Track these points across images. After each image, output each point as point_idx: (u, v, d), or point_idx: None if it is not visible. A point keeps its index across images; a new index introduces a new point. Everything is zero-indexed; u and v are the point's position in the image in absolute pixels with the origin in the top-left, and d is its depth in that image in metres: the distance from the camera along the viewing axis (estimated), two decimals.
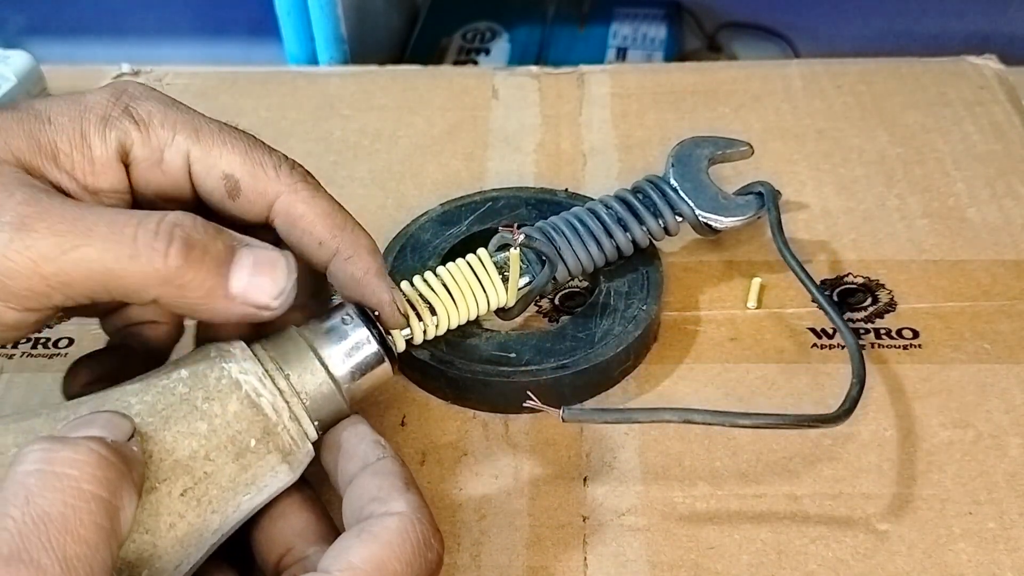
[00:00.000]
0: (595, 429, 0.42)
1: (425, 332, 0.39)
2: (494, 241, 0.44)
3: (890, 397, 0.43)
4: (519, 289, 0.42)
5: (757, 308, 0.47)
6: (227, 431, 0.31)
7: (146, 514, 0.29)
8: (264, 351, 0.33)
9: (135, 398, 0.31)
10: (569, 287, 0.47)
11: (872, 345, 0.45)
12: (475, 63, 0.84)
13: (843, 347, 0.44)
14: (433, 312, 0.39)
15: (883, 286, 0.48)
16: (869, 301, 0.47)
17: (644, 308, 0.44)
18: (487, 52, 0.86)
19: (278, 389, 0.32)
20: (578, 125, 0.58)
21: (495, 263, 0.42)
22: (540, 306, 0.47)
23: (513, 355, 0.42)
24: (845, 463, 0.40)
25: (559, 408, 0.36)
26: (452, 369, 0.42)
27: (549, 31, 0.88)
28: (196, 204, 0.35)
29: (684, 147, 0.48)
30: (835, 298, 0.47)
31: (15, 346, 0.46)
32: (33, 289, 0.29)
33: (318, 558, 0.31)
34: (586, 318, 0.44)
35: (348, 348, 0.34)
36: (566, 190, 0.51)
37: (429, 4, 0.92)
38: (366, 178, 0.55)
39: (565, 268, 0.44)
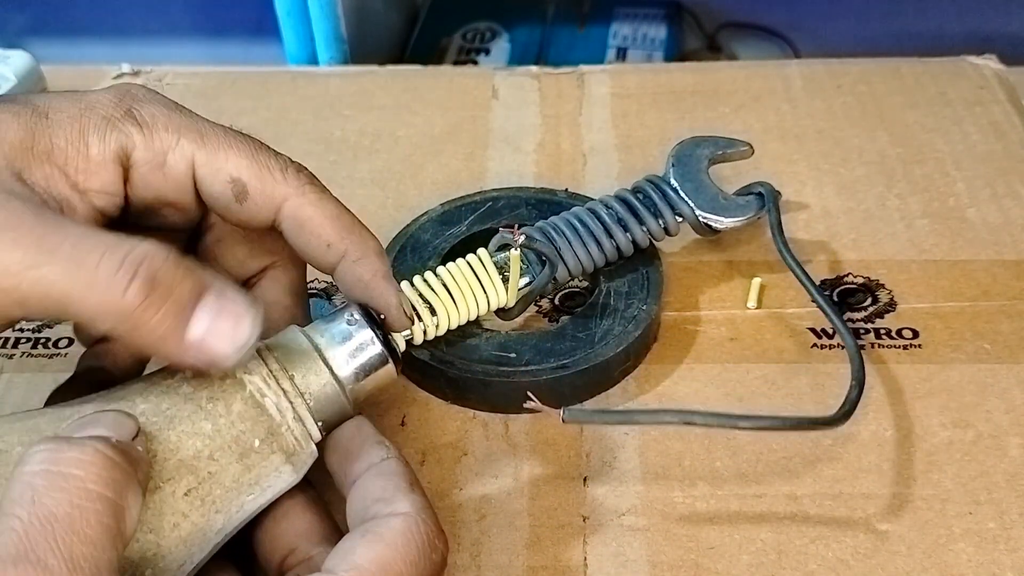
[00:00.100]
0: (595, 429, 0.42)
1: (425, 332, 0.39)
2: (494, 241, 0.44)
3: (890, 397, 0.43)
4: (519, 289, 0.42)
5: (757, 308, 0.47)
6: (231, 431, 0.31)
7: (150, 514, 0.29)
8: (269, 351, 0.33)
9: (140, 397, 0.31)
10: (569, 287, 0.47)
11: (872, 345, 0.45)
12: (475, 63, 0.84)
13: (843, 347, 0.44)
14: (433, 312, 0.39)
15: (883, 286, 0.48)
16: (869, 301, 0.47)
17: (644, 308, 0.44)
18: (487, 52, 0.86)
19: (282, 390, 0.32)
20: (578, 125, 0.58)
21: (495, 263, 0.42)
22: (540, 306, 0.47)
23: (513, 355, 0.42)
24: (845, 463, 0.40)
25: (559, 409, 0.36)
26: (452, 369, 0.42)
27: (549, 31, 0.88)
28: (197, 209, 0.35)
29: (684, 147, 0.48)
30: (835, 298, 0.47)
31: (15, 346, 0.46)
32: None
33: (322, 559, 0.31)
34: (586, 318, 0.44)
35: (352, 349, 0.34)
36: (566, 190, 0.51)
37: (429, 4, 0.92)
38: (366, 178, 0.55)
39: (565, 268, 0.44)
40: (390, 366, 0.35)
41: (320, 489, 0.35)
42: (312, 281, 0.47)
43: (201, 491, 0.30)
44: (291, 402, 0.32)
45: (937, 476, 0.40)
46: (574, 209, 0.46)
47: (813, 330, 0.46)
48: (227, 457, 0.31)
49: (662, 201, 0.46)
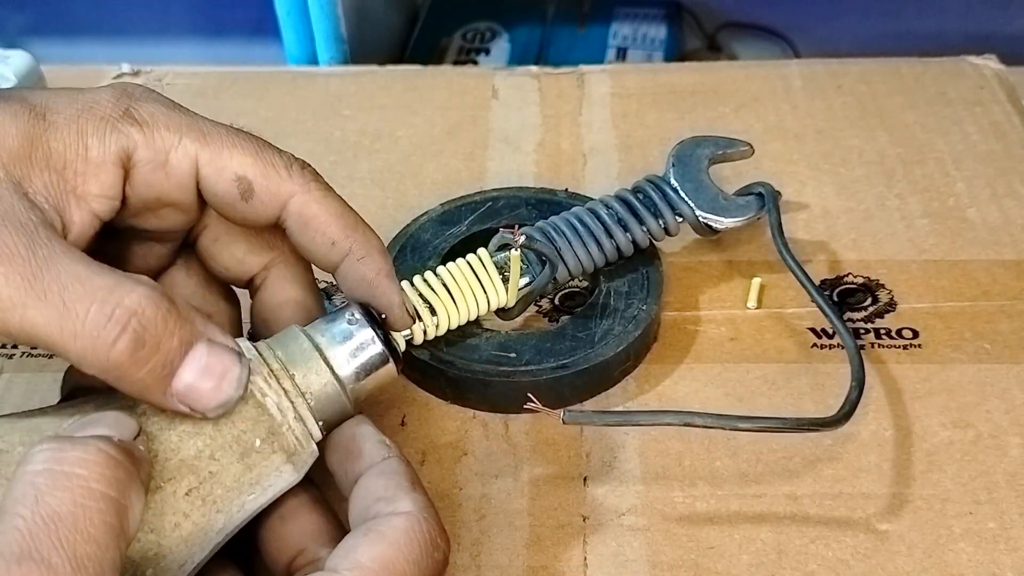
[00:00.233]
0: (595, 429, 0.42)
1: (425, 332, 0.39)
2: (494, 241, 0.44)
3: (890, 397, 0.43)
4: (519, 289, 0.42)
5: (757, 308, 0.47)
6: (232, 431, 0.31)
7: (151, 513, 0.29)
8: (270, 350, 0.33)
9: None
10: (569, 287, 0.47)
11: (872, 345, 0.45)
12: (475, 63, 0.84)
13: (843, 347, 0.44)
14: (433, 312, 0.39)
15: (883, 286, 0.48)
16: (869, 301, 0.47)
17: (644, 308, 0.44)
18: (487, 52, 0.86)
19: (283, 389, 0.32)
20: (578, 125, 0.58)
21: (495, 263, 0.42)
22: (540, 306, 0.47)
23: (513, 355, 0.42)
24: (845, 463, 0.40)
25: (560, 410, 0.36)
26: (452, 369, 0.42)
27: (549, 31, 0.88)
28: (196, 209, 0.35)
29: (684, 147, 0.48)
30: (835, 298, 0.47)
31: (15, 345, 0.46)
32: None
33: None
34: (586, 318, 0.44)
35: (353, 348, 0.34)
36: (566, 190, 0.51)
37: (429, 4, 0.92)
38: (366, 178, 0.55)
39: (565, 268, 0.44)
40: (391, 365, 0.35)
41: (320, 488, 0.35)
42: None
43: (202, 491, 0.30)
44: (292, 402, 0.32)
45: (937, 476, 0.40)
46: (574, 209, 0.46)
47: (813, 330, 0.46)
48: (228, 457, 0.31)
49: (662, 201, 0.46)
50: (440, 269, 0.41)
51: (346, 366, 0.34)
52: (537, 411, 0.36)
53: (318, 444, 0.33)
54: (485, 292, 0.41)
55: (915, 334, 0.45)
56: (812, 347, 0.45)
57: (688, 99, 0.60)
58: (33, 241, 0.29)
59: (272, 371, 0.32)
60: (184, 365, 0.30)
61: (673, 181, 0.47)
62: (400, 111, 0.60)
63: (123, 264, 0.36)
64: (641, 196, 0.46)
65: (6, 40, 0.67)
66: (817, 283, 0.46)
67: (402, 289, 0.36)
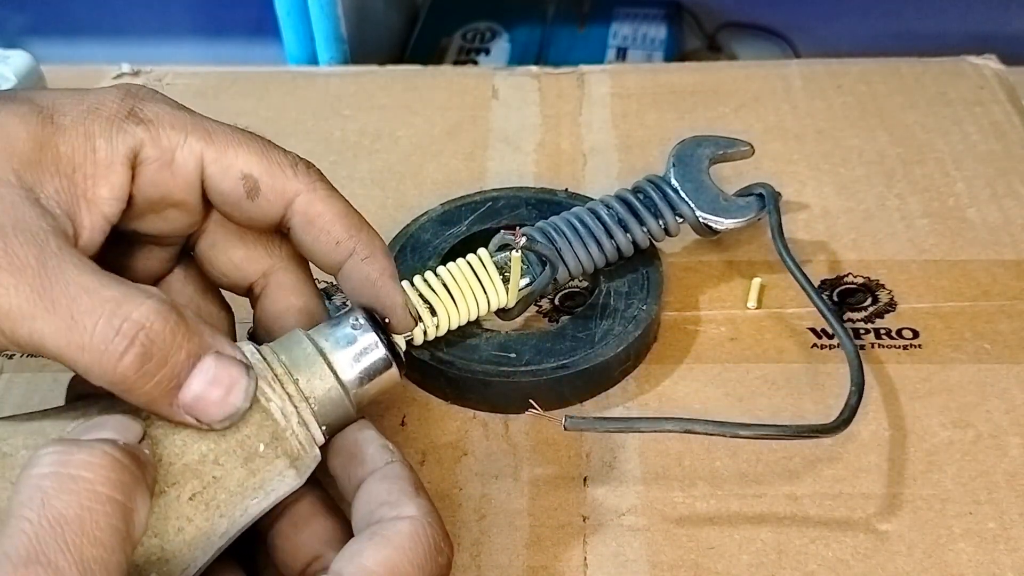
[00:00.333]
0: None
1: (425, 333, 0.39)
2: (494, 241, 0.43)
3: (890, 397, 0.43)
4: (520, 290, 0.42)
5: (757, 308, 0.47)
6: (236, 435, 0.31)
7: (155, 517, 0.29)
8: (274, 354, 0.33)
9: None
10: (569, 287, 0.47)
11: (872, 345, 0.45)
12: (475, 63, 0.84)
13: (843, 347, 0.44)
14: (433, 313, 0.39)
15: (883, 286, 0.48)
16: (869, 301, 0.47)
17: (644, 308, 0.44)
18: (487, 52, 0.86)
19: (287, 394, 0.32)
20: (578, 125, 0.58)
21: (495, 263, 0.42)
22: (540, 306, 0.47)
23: (513, 355, 0.42)
24: (845, 463, 0.40)
25: (561, 415, 0.36)
26: (452, 369, 0.42)
27: (549, 31, 0.88)
28: (200, 211, 0.35)
29: (685, 146, 0.48)
30: (835, 298, 0.47)
31: None
32: None
33: None
34: (586, 318, 0.44)
35: (356, 353, 0.34)
36: (566, 190, 0.51)
37: (429, 4, 0.92)
38: (366, 178, 0.55)
39: (566, 269, 0.44)
40: (394, 370, 0.35)
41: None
42: None
43: (206, 495, 0.30)
44: (296, 406, 0.32)
45: (937, 476, 0.40)
46: (574, 209, 0.46)
47: (813, 330, 0.46)
48: (232, 461, 0.31)
49: (662, 201, 0.46)
50: (440, 269, 0.41)
51: (349, 370, 0.34)
52: (539, 417, 0.36)
53: (320, 448, 0.33)
54: (485, 292, 0.41)
55: (915, 334, 0.45)
56: (812, 347, 0.45)
57: (688, 99, 0.60)
58: (43, 251, 0.29)
59: (276, 375, 0.32)
60: (192, 378, 0.30)
61: (673, 181, 0.47)
62: (400, 111, 0.60)
63: (124, 270, 0.36)
64: (641, 196, 0.46)
65: (6, 40, 0.67)
66: (817, 283, 0.46)
67: (405, 291, 0.36)
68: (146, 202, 0.34)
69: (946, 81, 0.60)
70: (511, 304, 0.42)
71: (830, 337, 0.45)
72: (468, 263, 0.41)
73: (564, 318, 0.46)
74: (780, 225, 0.47)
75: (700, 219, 0.46)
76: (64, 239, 0.30)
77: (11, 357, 0.46)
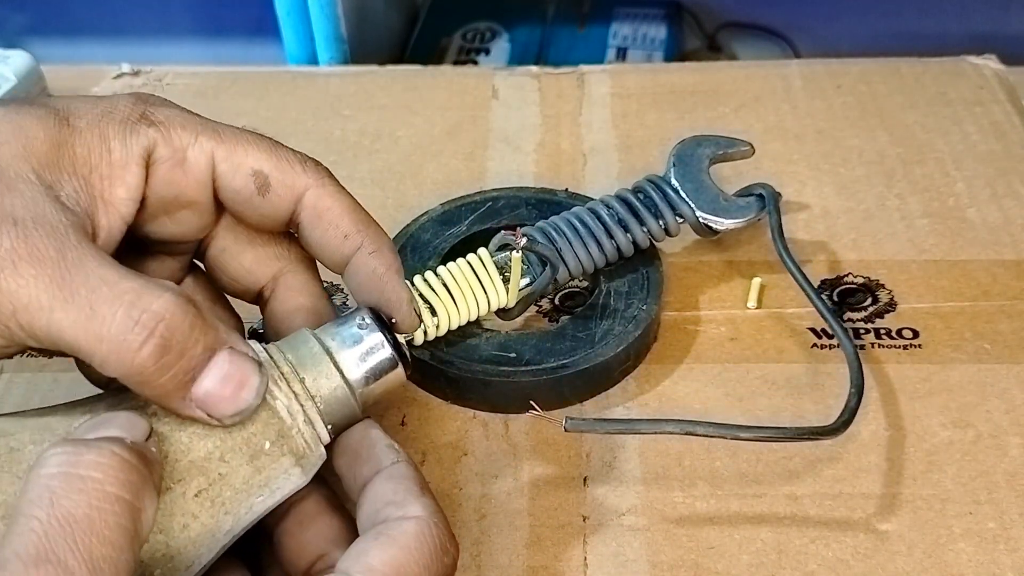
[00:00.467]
0: None
1: (426, 333, 0.39)
2: (495, 241, 0.44)
3: (890, 397, 0.43)
4: (520, 290, 0.42)
5: (757, 308, 0.47)
6: (242, 433, 0.31)
7: (160, 514, 0.29)
8: (280, 353, 0.33)
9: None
10: (569, 287, 0.47)
11: (872, 345, 0.45)
12: (475, 63, 0.84)
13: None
14: (434, 313, 0.39)
15: (883, 286, 0.48)
16: (869, 301, 0.47)
17: (644, 308, 0.44)
18: (487, 52, 0.86)
19: (293, 392, 0.32)
20: (578, 125, 0.58)
21: (495, 263, 0.42)
22: (540, 306, 0.47)
23: (513, 355, 0.42)
24: (845, 463, 0.40)
25: (561, 415, 0.36)
26: (452, 369, 0.42)
27: (549, 31, 0.88)
28: (212, 212, 0.35)
29: (685, 146, 0.48)
30: (835, 298, 0.47)
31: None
32: (10, 328, 0.29)
33: None
34: (586, 318, 0.44)
35: (362, 352, 0.34)
36: (566, 190, 0.51)
37: (429, 4, 0.92)
38: (366, 178, 0.55)
39: (566, 269, 0.44)
40: (399, 370, 0.35)
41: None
42: None
43: (211, 492, 0.30)
44: (302, 405, 0.32)
45: (937, 476, 0.40)
46: (574, 209, 0.46)
47: (813, 330, 0.46)
48: (238, 459, 0.31)
49: (663, 201, 0.46)
50: (440, 269, 0.41)
51: (355, 370, 0.34)
52: (539, 418, 0.36)
53: (326, 447, 0.33)
54: (485, 292, 0.41)
55: (915, 334, 0.45)
56: (812, 347, 0.45)
57: (688, 99, 0.60)
58: (63, 244, 0.29)
59: (283, 374, 0.32)
60: (206, 372, 0.30)
61: (674, 181, 0.47)
62: (400, 111, 0.60)
63: None
64: (642, 196, 0.46)
65: (6, 40, 0.67)
66: (817, 283, 0.46)
67: (409, 288, 0.36)
68: (160, 202, 0.34)
69: (946, 81, 0.60)
70: (511, 304, 0.42)
71: (830, 337, 0.45)
72: (468, 263, 0.41)
73: (564, 318, 0.46)
74: (780, 225, 0.47)
75: (700, 219, 0.46)
76: (83, 234, 0.30)
77: (11, 357, 0.46)
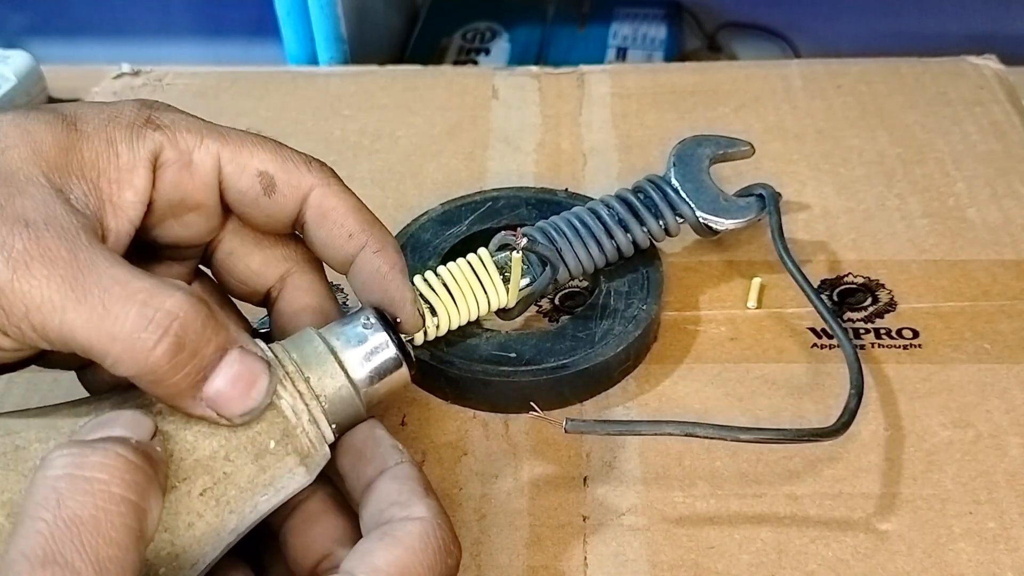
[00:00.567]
0: None
1: (426, 333, 0.39)
2: (495, 241, 0.44)
3: (890, 397, 0.43)
4: (520, 290, 0.42)
5: (757, 308, 0.47)
6: (247, 432, 0.31)
7: (165, 512, 0.29)
8: (285, 352, 0.33)
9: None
10: (569, 287, 0.47)
11: (872, 345, 0.45)
12: (475, 63, 0.84)
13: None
14: (434, 313, 0.39)
15: (883, 286, 0.48)
16: (869, 301, 0.47)
17: (644, 308, 0.44)
18: (487, 52, 0.86)
19: (298, 392, 0.32)
20: (578, 125, 0.58)
21: (496, 263, 0.42)
22: (540, 306, 0.47)
23: (513, 355, 0.43)
24: (845, 463, 0.40)
25: (561, 415, 0.36)
26: (452, 369, 0.42)
27: (549, 31, 0.88)
28: (218, 214, 0.35)
29: (686, 146, 0.48)
30: (835, 298, 0.47)
31: None
32: (22, 329, 0.29)
33: None
34: (586, 318, 0.44)
35: (367, 352, 0.34)
36: (566, 190, 0.51)
37: (429, 4, 0.92)
38: (366, 178, 0.55)
39: (566, 269, 0.44)
40: (404, 370, 0.35)
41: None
42: None
43: (216, 491, 0.30)
44: (307, 404, 0.32)
45: (937, 476, 0.40)
46: (575, 209, 0.46)
47: (813, 330, 0.46)
48: (242, 458, 0.31)
49: (663, 201, 0.46)
50: (441, 269, 0.41)
51: (360, 369, 0.34)
52: (539, 419, 0.36)
53: (329, 446, 0.33)
54: (486, 292, 0.41)
55: (915, 334, 0.45)
56: (812, 347, 0.45)
57: (688, 99, 0.60)
58: (75, 245, 0.29)
59: (287, 373, 0.32)
60: (217, 371, 0.30)
61: (674, 181, 0.47)
62: (400, 111, 0.60)
63: None
64: (641, 196, 0.46)
65: (6, 40, 0.67)
66: (817, 283, 0.46)
67: (413, 288, 0.36)
68: (167, 205, 0.34)
69: (946, 81, 0.60)
70: (511, 304, 0.42)
71: (830, 337, 0.45)
72: (468, 263, 0.41)
73: (564, 318, 0.46)
74: (780, 225, 0.47)
75: (700, 219, 0.46)
76: (94, 235, 0.30)
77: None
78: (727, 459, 0.41)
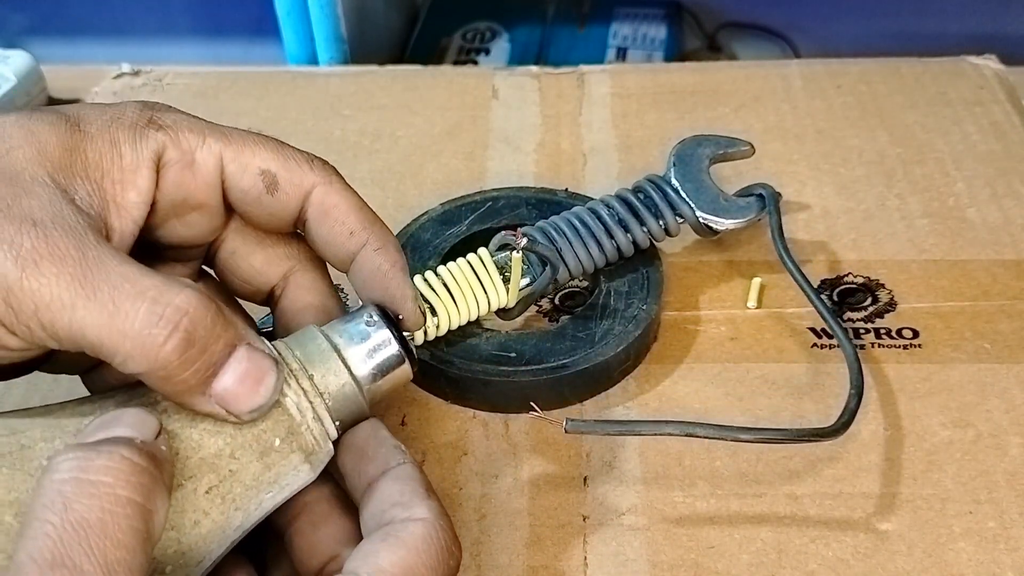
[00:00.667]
0: None
1: (426, 333, 0.39)
2: (495, 241, 0.44)
3: (890, 397, 0.43)
4: (520, 290, 0.42)
5: (757, 308, 0.47)
6: (252, 430, 0.31)
7: (172, 511, 0.29)
8: (289, 350, 0.33)
9: (162, 394, 0.31)
10: (569, 287, 0.47)
11: (872, 345, 0.45)
12: (475, 63, 0.84)
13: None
14: (434, 312, 0.39)
15: (883, 286, 0.48)
16: (869, 301, 0.47)
17: (644, 308, 0.44)
18: (487, 52, 0.86)
19: (303, 389, 0.32)
20: (578, 125, 0.58)
21: (496, 262, 0.42)
22: (540, 306, 0.47)
23: (513, 355, 0.43)
24: (845, 463, 0.40)
25: (561, 415, 0.36)
26: (452, 369, 0.42)
27: (549, 31, 0.88)
28: (221, 214, 0.36)
29: (686, 146, 0.48)
30: (835, 298, 0.47)
31: None
32: (31, 328, 0.29)
33: None
34: (586, 318, 0.44)
35: (370, 349, 0.34)
36: (566, 190, 0.51)
37: (429, 4, 0.92)
38: (366, 178, 0.55)
39: (566, 269, 0.44)
40: (406, 366, 0.35)
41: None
42: None
43: (222, 489, 0.30)
44: (311, 402, 0.32)
45: (937, 475, 0.40)
46: (575, 209, 0.46)
47: (813, 330, 0.46)
48: (248, 455, 0.31)
49: (663, 201, 0.46)
50: (441, 269, 0.41)
51: (363, 366, 0.34)
52: (539, 419, 0.36)
53: (333, 443, 0.33)
54: (486, 292, 0.41)
55: (915, 334, 0.45)
56: (812, 347, 0.45)
57: (688, 99, 0.60)
58: (83, 243, 0.29)
59: (292, 371, 0.32)
60: (226, 367, 0.30)
61: (674, 181, 0.47)
62: (400, 111, 0.60)
63: None
64: (641, 196, 0.46)
65: (6, 40, 0.67)
66: (817, 283, 0.46)
67: (414, 286, 0.36)
68: (170, 205, 0.34)
69: (946, 81, 0.60)
70: (511, 304, 0.42)
71: (830, 337, 0.45)
72: (468, 263, 0.41)
73: (564, 318, 0.46)
74: (780, 225, 0.47)
75: (700, 219, 0.46)
76: (100, 235, 0.30)
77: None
78: (727, 459, 0.41)
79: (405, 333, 0.37)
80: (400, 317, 0.36)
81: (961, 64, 0.61)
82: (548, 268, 0.43)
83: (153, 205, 0.33)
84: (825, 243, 0.50)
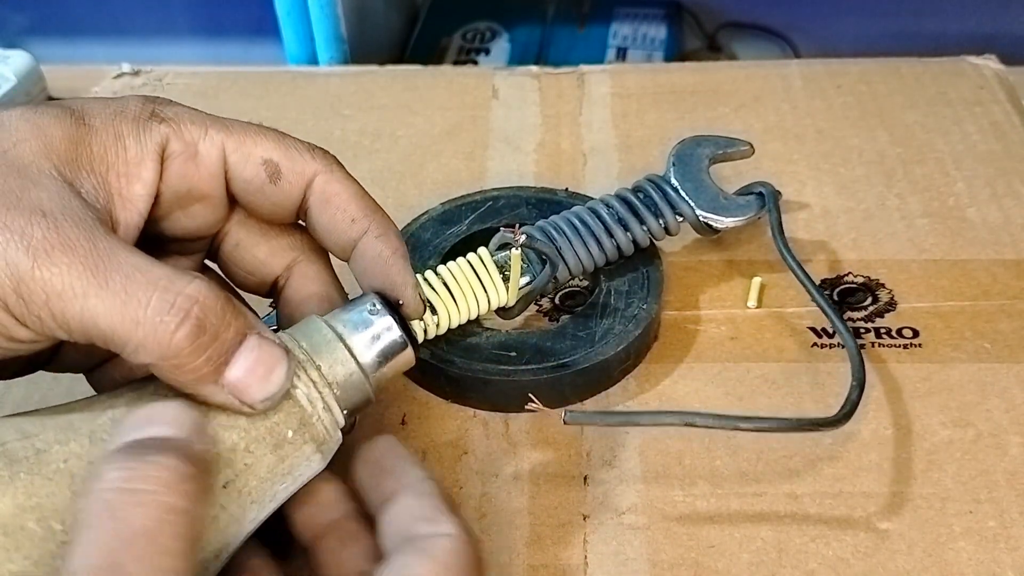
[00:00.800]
0: (595, 428, 0.42)
1: (426, 331, 0.39)
2: (495, 240, 0.44)
3: (890, 396, 0.43)
4: (520, 289, 0.42)
5: (757, 307, 0.47)
6: (265, 423, 0.31)
7: None
8: (294, 341, 0.33)
9: (172, 391, 0.31)
10: (569, 286, 0.47)
11: (872, 344, 0.45)
12: (475, 63, 0.84)
13: (843, 346, 0.44)
14: (434, 311, 0.39)
15: (883, 285, 0.48)
16: (869, 300, 0.47)
17: (644, 307, 0.44)
18: (487, 52, 0.86)
19: (312, 380, 0.32)
20: (578, 125, 0.58)
21: (496, 262, 0.42)
22: (540, 305, 0.47)
23: (513, 354, 0.43)
24: (845, 462, 0.40)
25: (561, 410, 0.36)
26: (452, 368, 0.42)
27: (549, 31, 0.88)
28: (224, 205, 0.36)
29: (685, 146, 0.48)
30: (835, 297, 0.47)
31: None
32: (42, 318, 0.29)
33: None
34: (586, 317, 0.44)
35: (372, 336, 0.35)
36: (566, 190, 0.51)
37: (429, 4, 0.92)
38: (366, 178, 0.54)
39: (566, 268, 0.44)
40: (409, 351, 0.35)
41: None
42: None
43: (238, 483, 0.31)
44: (320, 392, 0.33)
45: (937, 475, 0.40)
46: (575, 208, 0.46)
47: (813, 329, 0.46)
48: (262, 449, 0.31)
49: (662, 200, 0.46)
50: (441, 268, 0.41)
51: (367, 353, 0.34)
52: (538, 411, 0.36)
53: (341, 449, 0.34)
54: (486, 291, 0.41)
55: (915, 333, 0.45)
56: (812, 346, 0.45)
57: (688, 99, 0.60)
58: (93, 234, 0.29)
59: (299, 362, 0.33)
60: (237, 356, 0.30)
61: (674, 180, 0.47)
62: (400, 111, 0.60)
63: None
64: (642, 195, 0.47)
65: (6, 40, 0.67)
66: (817, 283, 0.46)
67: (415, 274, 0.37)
68: (174, 197, 0.34)
69: (946, 81, 0.60)
70: (511, 303, 0.42)
71: (830, 336, 0.45)
72: (468, 262, 0.41)
73: (564, 317, 0.46)
74: (780, 224, 0.47)
75: (700, 218, 0.46)
76: (108, 226, 0.31)
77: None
78: (727, 458, 0.41)
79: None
80: (401, 304, 0.36)
81: (961, 64, 0.61)
82: (548, 266, 0.43)
83: (157, 197, 0.34)
84: (825, 243, 0.50)
